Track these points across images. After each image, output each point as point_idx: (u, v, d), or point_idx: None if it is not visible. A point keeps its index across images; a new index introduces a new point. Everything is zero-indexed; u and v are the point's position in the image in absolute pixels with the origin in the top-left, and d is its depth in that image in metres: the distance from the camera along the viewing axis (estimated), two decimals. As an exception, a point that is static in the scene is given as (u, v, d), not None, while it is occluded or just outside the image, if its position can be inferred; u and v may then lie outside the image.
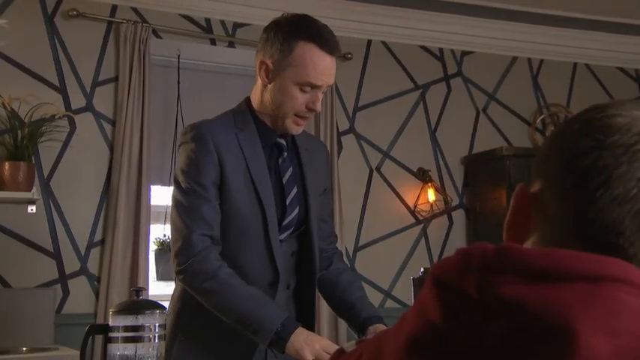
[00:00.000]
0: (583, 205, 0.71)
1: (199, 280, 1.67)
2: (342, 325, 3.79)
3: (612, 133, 0.71)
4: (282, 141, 1.82)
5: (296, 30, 1.73)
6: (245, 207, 1.73)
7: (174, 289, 1.90)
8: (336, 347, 1.55)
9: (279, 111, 1.74)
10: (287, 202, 1.79)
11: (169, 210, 3.85)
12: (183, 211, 1.71)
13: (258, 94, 1.79)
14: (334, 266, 1.94)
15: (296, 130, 1.78)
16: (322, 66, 1.72)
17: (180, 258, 1.69)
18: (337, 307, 1.91)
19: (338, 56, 1.78)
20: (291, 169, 1.82)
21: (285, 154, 1.82)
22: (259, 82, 1.79)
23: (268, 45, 1.75)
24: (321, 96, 1.75)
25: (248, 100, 1.84)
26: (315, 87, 1.73)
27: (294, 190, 1.81)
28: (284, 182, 1.80)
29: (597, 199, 0.70)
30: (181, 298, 1.82)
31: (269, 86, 1.75)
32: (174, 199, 1.74)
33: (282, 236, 1.79)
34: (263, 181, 1.75)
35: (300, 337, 1.59)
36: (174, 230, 1.72)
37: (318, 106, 1.74)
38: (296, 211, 1.80)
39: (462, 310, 0.65)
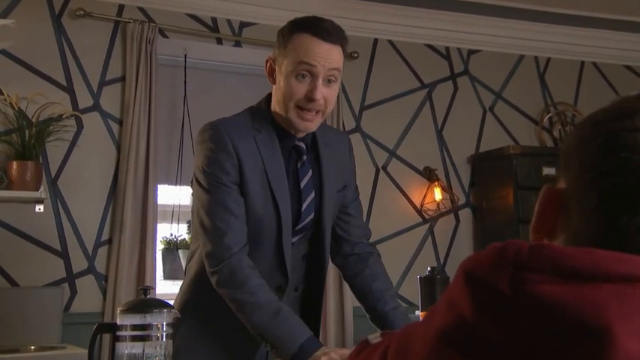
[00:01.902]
0: (606, 229, 0.69)
1: (229, 288, 1.65)
2: (349, 325, 3.79)
3: (638, 151, 0.68)
4: (301, 144, 1.78)
5: (294, 26, 1.70)
6: (260, 210, 1.71)
7: (183, 282, 1.90)
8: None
9: (282, 107, 1.70)
10: (303, 208, 1.76)
11: (176, 209, 3.88)
12: (210, 211, 1.68)
13: (273, 95, 1.77)
14: (369, 270, 1.90)
15: (304, 125, 1.70)
16: (317, 49, 1.64)
17: (212, 261, 1.68)
18: (371, 315, 1.87)
19: (341, 45, 1.70)
20: (310, 173, 1.79)
21: (305, 157, 1.78)
22: (273, 87, 1.78)
23: (274, 47, 1.75)
24: (320, 84, 1.66)
25: (268, 99, 1.79)
26: (311, 70, 1.65)
27: (312, 195, 1.78)
28: (302, 187, 1.77)
29: (621, 225, 0.68)
30: (189, 291, 1.82)
31: (275, 86, 1.74)
32: (199, 200, 1.72)
33: (294, 239, 1.77)
34: (280, 186, 1.72)
35: (319, 353, 1.57)
36: (203, 231, 1.69)
37: (317, 94, 1.65)
38: (311, 216, 1.78)
39: (494, 307, 0.64)
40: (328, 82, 1.68)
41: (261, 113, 1.77)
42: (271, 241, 1.73)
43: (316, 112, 1.69)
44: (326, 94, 1.68)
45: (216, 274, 1.67)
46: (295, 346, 1.58)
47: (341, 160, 1.88)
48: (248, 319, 1.64)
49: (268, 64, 1.75)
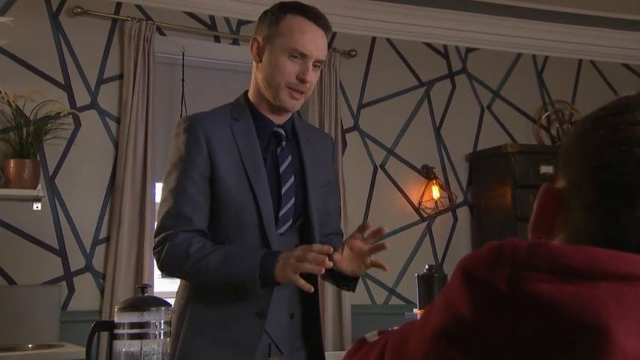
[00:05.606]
0: (607, 223, 0.69)
1: (176, 266, 1.71)
2: (347, 323, 3.79)
3: (638, 144, 0.68)
4: (281, 130, 1.82)
5: (284, 6, 1.78)
6: (238, 199, 1.73)
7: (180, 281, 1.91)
8: (308, 247, 1.61)
9: (271, 85, 1.75)
10: (282, 192, 1.77)
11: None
12: (163, 200, 1.76)
13: (253, 80, 1.83)
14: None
15: (292, 104, 1.77)
16: (310, 35, 1.73)
17: (154, 247, 1.75)
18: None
19: (327, 32, 1.79)
20: (289, 159, 1.81)
21: (284, 143, 1.82)
22: (254, 69, 1.82)
23: (259, 26, 1.80)
24: (311, 67, 1.75)
25: (246, 93, 1.86)
26: (303, 56, 1.74)
27: (291, 179, 1.80)
28: (281, 172, 1.79)
29: (621, 218, 0.68)
30: (188, 289, 1.82)
31: (260, 64, 1.78)
32: (162, 190, 1.80)
33: (282, 229, 1.77)
34: (257, 172, 1.75)
35: (279, 267, 1.62)
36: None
37: (308, 77, 1.74)
38: (292, 201, 1.79)
39: (492, 306, 0.64)
40: (315, 67, 1.78)
41: (240, 104, 1.84)
42: (255, 230, 1.74)
43: (301, 93, 1.77)
44: (312, 77, 1.77)
45: (158, 262, 1.74)
46: (256, 267, 1.63)
47: (323, 157, 1.92)
48: (206, 280, 1.69)
49: (255, 44, 1.79)
